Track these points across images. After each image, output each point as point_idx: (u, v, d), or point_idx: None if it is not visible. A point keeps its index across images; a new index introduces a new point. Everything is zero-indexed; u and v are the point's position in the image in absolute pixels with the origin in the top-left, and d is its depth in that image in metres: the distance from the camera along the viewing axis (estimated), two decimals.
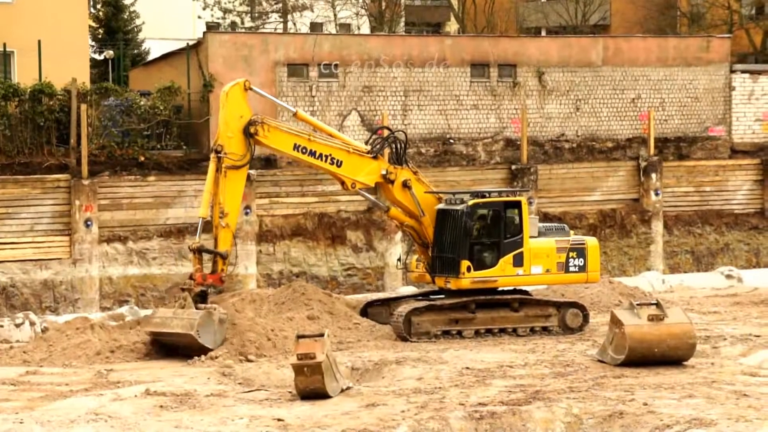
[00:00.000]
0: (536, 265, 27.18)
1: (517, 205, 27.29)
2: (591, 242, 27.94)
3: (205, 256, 26.28)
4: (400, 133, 28.29)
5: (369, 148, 27.72)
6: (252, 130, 26.46)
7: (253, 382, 22.14)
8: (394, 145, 27.85)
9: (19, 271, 32.03)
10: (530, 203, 36.41)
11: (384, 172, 27.45)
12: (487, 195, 27.73)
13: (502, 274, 27.03)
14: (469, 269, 26.80)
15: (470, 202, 27.09)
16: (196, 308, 25.23)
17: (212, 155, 26.48)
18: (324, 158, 27.10)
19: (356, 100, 35.75)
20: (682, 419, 17.57)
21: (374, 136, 28.46)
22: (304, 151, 26.96)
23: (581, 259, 27.45)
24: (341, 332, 26.74)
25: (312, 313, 27.38)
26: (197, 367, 23.78)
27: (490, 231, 27.37)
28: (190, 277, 26.13)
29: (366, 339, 26.48)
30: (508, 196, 27.97)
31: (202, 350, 24.75)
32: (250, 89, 26.98)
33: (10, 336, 27.39)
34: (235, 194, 26.57)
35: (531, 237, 27.20)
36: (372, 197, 29.25)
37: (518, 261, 27.06)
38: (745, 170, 39.84)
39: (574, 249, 27.46)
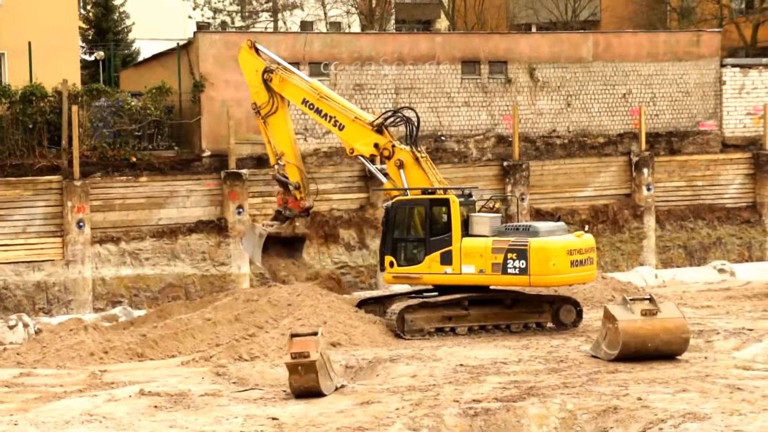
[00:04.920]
0: (468, 264, 26.60)
1: (445, 203, 26.99)
2: (536, 244, 26.17)
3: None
4: (411, 113, 28.64)
5: (372, 119, 28.59)
6: (266, 77, 29.62)
7: (247, 381, 22.14)
8: (407, 126, 28.49)
9: (12, 272, 32.01)
10: (522, 200, 36.48)
11: (375, 145, 28.23)
12: (441, 192, 27.56)
13: (428, 271, 26.86)
14: (392, 264, 26.90)
15: (394, 200, 27.20)
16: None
17: (255, 115, 30.04)
18: (329, 119, 29.15)
19: (347, 98, 35.64)
20: (676, 413, 17.58)
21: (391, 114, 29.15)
22: (311, 107, 29.32)
23: (522, 261, 26.11)
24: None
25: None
26: (191, 366, 23.78)
27: (417, 228, 27.37)
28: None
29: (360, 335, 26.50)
30: (447, 192, 27.45)
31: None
32: (255, 47, 30.06)
33: (3, 338, 27.38)
34: (283, 134, 29.86)
35: (479, 236, 26.82)
36: (373, 167, 29.74)
37: (446, 259, 26.71)
38: (737, 164, 39.91)
39: (514, 250, 26.20)
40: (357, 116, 28.85)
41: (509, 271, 26.29)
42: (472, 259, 26.58)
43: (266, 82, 29.57)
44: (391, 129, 28.75)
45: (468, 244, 26.68)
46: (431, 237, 26.92)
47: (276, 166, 30.08)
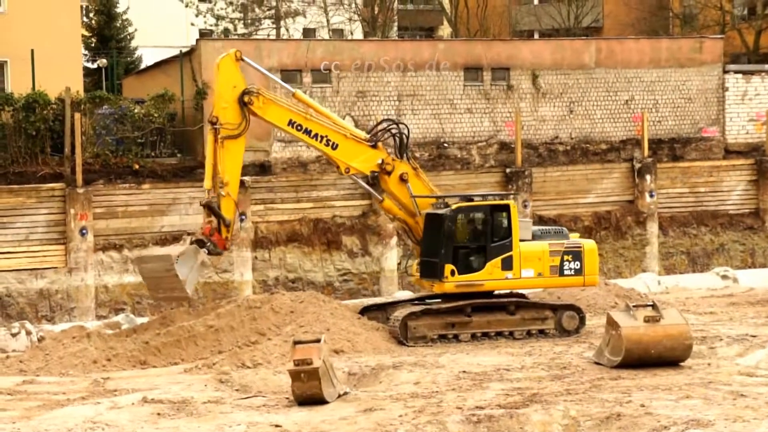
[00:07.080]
0: (527, 268, 26.98)
1: (506, 208, 27.12)
2: (588, 245, 27.73)
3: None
4: (403, 125, 28.27)
5: (368, 136, 27.83)
6: (246, 99, 27.00)
7: (250, 388, 22.13)
8: (397, 138, 27.89)
9: (15, 280, 32.02)
10: (525, 206, 36.48)
11: (380, 162, 27.52)
12: (480, 199, 27.71)
13: (490, 277, 26.89)
14: (453, 273, 26.82)
15: (453, 206, 27.11)
16: None
17: (209, 127, 27.05)
18: (319, 139, 27.28)
19: (350, 105, 35.78)
20: (680, 420, 17.57)
21: (378, 127, 28.46)
22: (299, 128, 27.24)
23: (577, 263, 27.21)
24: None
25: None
26: (194, 374, 23.77)
27: (476, 235, 27.36)
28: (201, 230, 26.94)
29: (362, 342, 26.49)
30: (500, 199, 27.86)
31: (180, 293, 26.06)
32: (242, 60, 27.47)
33: (6, 345, 27.35)
34: (234, 164, 27.04)
35: (524, 240, 27.15)
36: (366, 185, 29.05)
37: (507, 264, 26.88)
38: (739, 170, 39.90)
39: (570, 252, 27.24)
40: (351, 133, 27.72)
41: (566, 272, 27.18)
42: (532, 263, 27.03)
43: (245, 105, 26.93)
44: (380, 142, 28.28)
45: (527, 248, 27.07)
46: (491, 243, 27.05)
47: (211, 192, 26.78)
